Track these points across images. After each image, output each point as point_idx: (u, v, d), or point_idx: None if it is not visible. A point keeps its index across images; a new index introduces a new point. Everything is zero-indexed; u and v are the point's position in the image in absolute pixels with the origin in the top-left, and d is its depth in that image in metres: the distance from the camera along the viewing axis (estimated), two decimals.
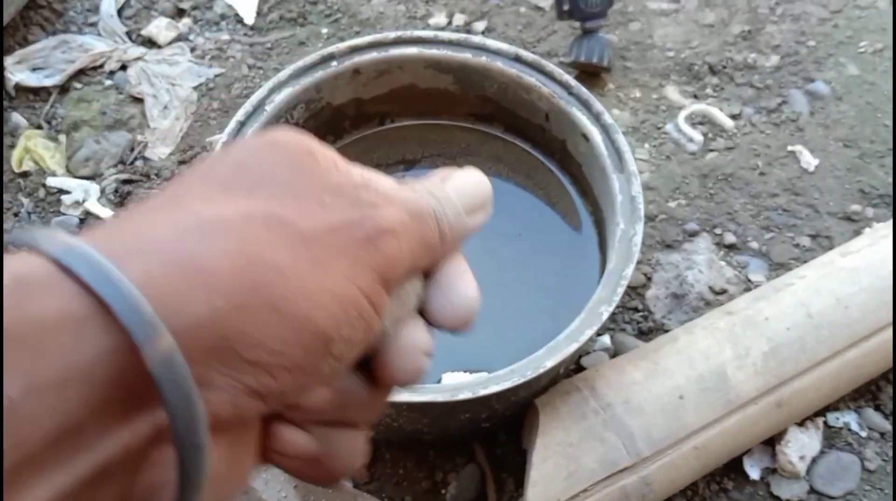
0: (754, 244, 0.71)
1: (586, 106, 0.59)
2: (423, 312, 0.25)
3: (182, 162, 0.77)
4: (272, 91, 0.60)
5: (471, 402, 0.49)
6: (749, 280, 0.69)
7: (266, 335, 0.20)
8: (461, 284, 0.26)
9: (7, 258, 0.18)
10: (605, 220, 0.59)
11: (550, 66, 0.60)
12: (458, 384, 0.49)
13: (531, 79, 0.61)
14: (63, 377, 0.17)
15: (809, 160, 0.76)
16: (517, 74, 0.61)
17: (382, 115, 0.67)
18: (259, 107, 0.59)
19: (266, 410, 0.21)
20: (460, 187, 0.26)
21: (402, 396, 0.48)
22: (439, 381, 0.57)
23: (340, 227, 0.22)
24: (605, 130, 0.58)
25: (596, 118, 0.58)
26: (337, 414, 0.24)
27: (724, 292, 0.68)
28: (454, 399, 0.48)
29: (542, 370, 0.49)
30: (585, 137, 0.59)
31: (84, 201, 0.74)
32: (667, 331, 0.67)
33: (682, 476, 0.54)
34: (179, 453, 0.19)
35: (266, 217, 0.21)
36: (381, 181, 0.24)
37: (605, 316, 0.50)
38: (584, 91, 0.59)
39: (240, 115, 0.59)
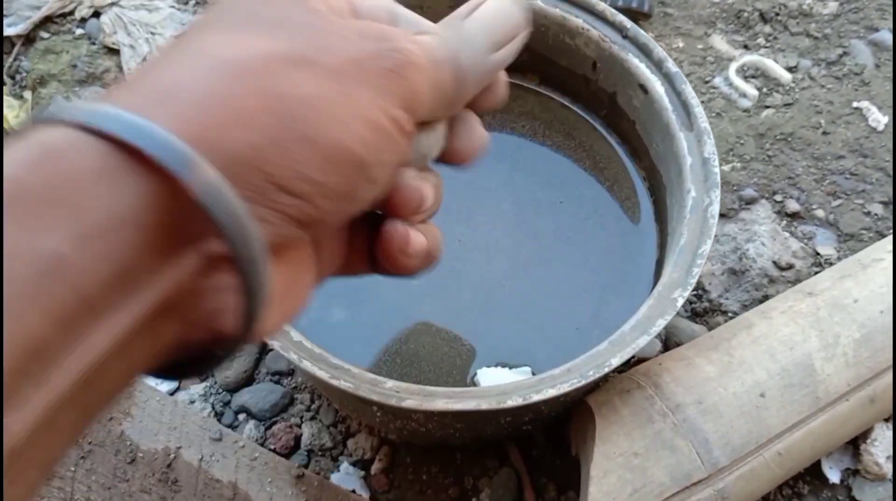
0: (820, 213, 0.63)
1: (645, 52, 0.50)
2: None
3: None
4: None
5: (519, 407, 0.40)
6: (817, 253, 0.61)
7: (305, 166, 0.20)
8: (477, 124, 0.29)
9: (30, 133, 0.18)
10: (665, 186, 0.51)
11: (601, 4, 0.51)
12: (504, 388, 0.41)
13: (577, 20, 0.51)
14: (107, 225, 0.18)
15: (878, 118, 0.67)
16: (561, 15, 0.51)
17: None
18: None
19: (310, 235, 0.22)
20: (485, 21, 0.27)
21: (440, 405, 0.39)
22: (474, 377, 0.49)
23: (365, 58, 0.22)
24: (669, 79, 0.49)
25: (657, 66, 0.49)
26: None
27: (790, 267, 0.59)
28: (501, 407, 0.39)
29: (606, 370, 0.40)
30: (643, 89, 0.50)
31: None
32: (724, 312, 0.59)
33: (761, 486, 0.46)
34: (240, 270, 0.19)
35: (289, 55, 0.21)
36: (403, 16, 0.26)
37: (681, 303, 0.42)
38: (641, 34, 0.50)
39: None
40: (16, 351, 0.16)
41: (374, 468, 0.54)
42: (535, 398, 0.39)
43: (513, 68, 0.58)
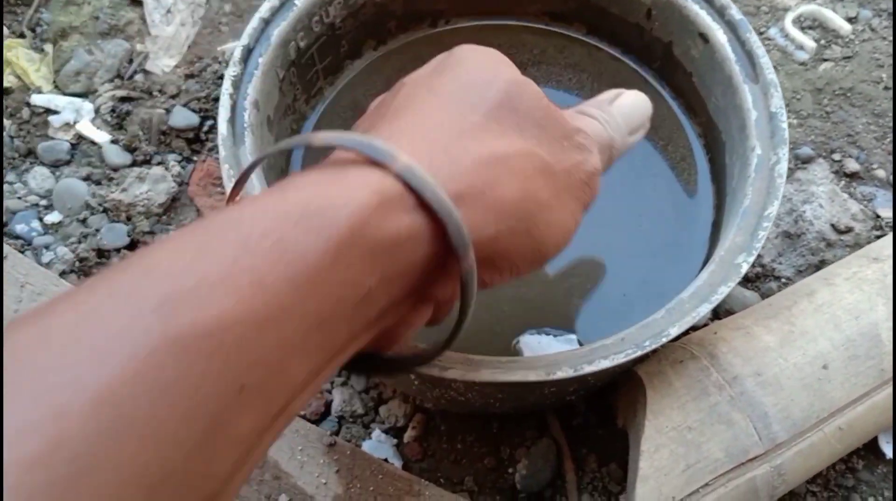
0: (881, 173, 0.59)
1: None
2: None
3: (189, 75, 0.64)
4: None
5: (568, 379, 0.38)
6: (878, 216, 0.57)
7: (516, 253, 0.28)
8: None
9: (362, 169, 0.24)
10: (724, 143, 0.47)
11: None
12: (553, 358, 0.38)
13: None
14: (402, 273, 0.24)
15: None
16: None
17: (436, 14, 0.55)
18: (287, 1, 0.47)
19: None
20: (626, 109, 0.33)
21: (486, 376, 0.37)
22: (515, 344, 0.46)
23: (572, 169, 0.29)
24: (732, 27, 0.45)
25: (719, 13, 0.46)
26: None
27: (849, 230, 0.56)
28: (550, 378, 0.37)
29: (664, 340, 0.38)
30: (704, 38, 0.46)
31: (75, 122, 0.62)
32: (777, 278, 0.56)
33: (820, 462, 0.44)
34: (464, 304, 0.27)
35: (535, 157, 0.27)
36: (578, 121, 0.31)
37: (745, 269, 0.39)
38: None
39: (264, 11, 0.46)
40: (322, 356, 0.23)
41: (408, 435, 0.52)
42: (587, 369, 0.37)
43: (559, 17, 0.55)
